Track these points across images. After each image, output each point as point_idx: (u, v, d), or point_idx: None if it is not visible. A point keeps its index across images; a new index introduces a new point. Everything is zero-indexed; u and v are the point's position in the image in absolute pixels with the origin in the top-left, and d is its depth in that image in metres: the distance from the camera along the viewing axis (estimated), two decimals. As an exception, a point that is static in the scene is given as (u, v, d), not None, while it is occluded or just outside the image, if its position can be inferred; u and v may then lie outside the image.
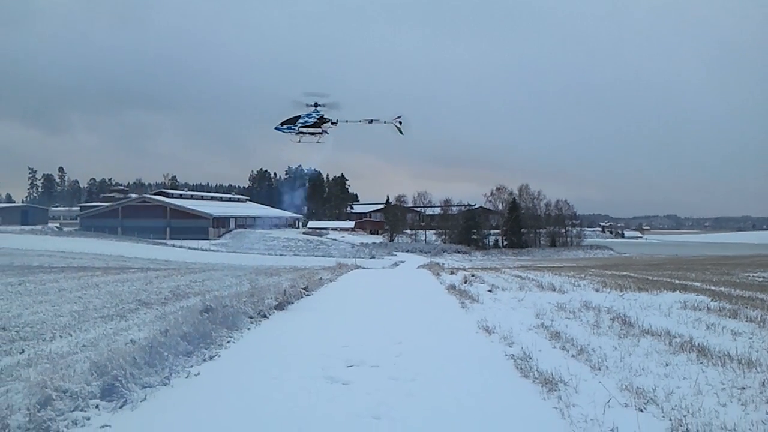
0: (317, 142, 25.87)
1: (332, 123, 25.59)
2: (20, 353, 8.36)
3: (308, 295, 14.94)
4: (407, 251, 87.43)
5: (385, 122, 26.75)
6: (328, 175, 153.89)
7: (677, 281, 18.25)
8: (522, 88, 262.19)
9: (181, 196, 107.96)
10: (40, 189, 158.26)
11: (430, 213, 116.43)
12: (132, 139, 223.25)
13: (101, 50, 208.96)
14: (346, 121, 26.28)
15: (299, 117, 25.44)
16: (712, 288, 15.33)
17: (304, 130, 25.48)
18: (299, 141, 25.87)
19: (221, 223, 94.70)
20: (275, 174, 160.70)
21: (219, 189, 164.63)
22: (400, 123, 26.66)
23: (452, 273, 25.15)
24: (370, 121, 26.45)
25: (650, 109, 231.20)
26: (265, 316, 10.91)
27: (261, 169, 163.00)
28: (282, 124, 25.85)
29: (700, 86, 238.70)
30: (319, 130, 25.61)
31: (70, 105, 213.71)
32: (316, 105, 25.37)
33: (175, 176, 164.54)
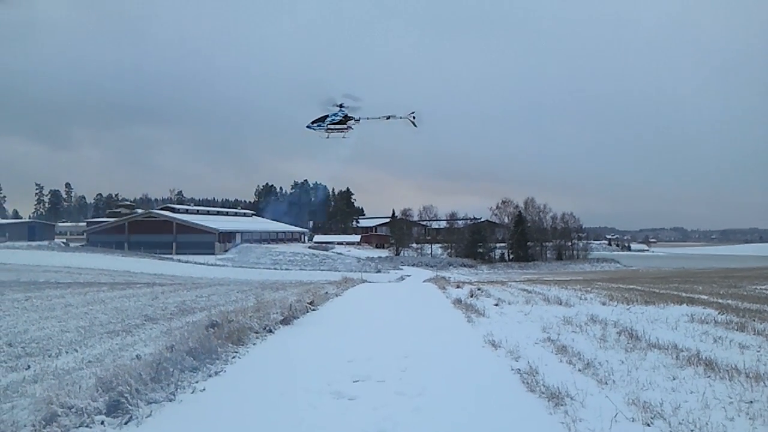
0: (343, 137, 28.28)
1: (355, 120, 27.98)
2: (26, 369, 8.37)
3: (314, 310, 14.90)
4: (413, 265, 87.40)
5: (400, 117, 28.99)
6: (333, 190, 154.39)
7: (684, 294, 18.18)
8: (526, 100, 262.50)
9: (187, 211, 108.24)
10: (46, 205, 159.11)
11: (436, 227, 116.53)
12: (137, 154, 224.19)
13: (102, 64, 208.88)
14: (367, 118, 28.69)
15: (327, 116, 28.06)
16: (720, 301, 15.26)
17: (332, 127, 28.04)
18: (327, 137, 28.30)
19: (227, 237, 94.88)
20: (281, 188, 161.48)
21: (225, 204, 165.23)
22: (414, 117, 28.88)
23: (458, 287, 25.08)
24: (388, 117, 28.89)
25: (656, 121, 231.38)
26: (270, 331, 10.89)
27: (267, 183, 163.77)
28: (313, 122, 28.36)
29: (706, 98, 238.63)
30: (345, 126, 28.11)
31: (74, 121, 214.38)
32: (341, 106, 27.87)
33: (181, 191, 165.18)
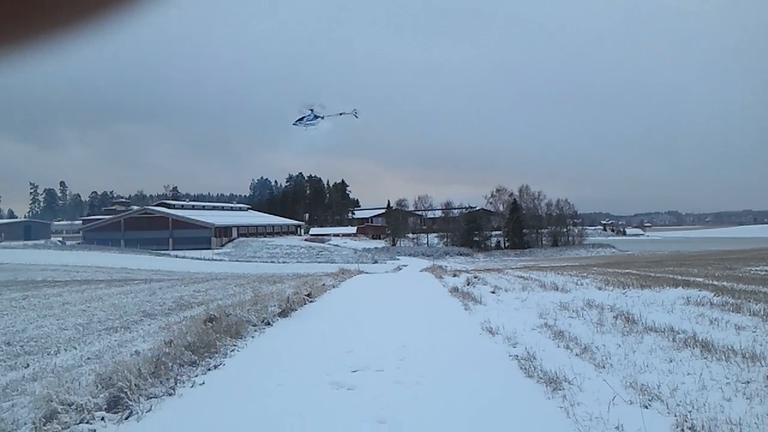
0: (315, 129, 41.73)
1: (321, 117, 41.24)
2: (25, 368, 8.39)
3: (312, 302, 14.93)
4: (410, 255, 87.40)
5: (348, 113, 43.07)
6: (328, 182, 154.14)
7: (680, 277, 18.26)
8: (518, 89, 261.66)
9: (182, 207, 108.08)
10: (42, 204, 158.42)
11: (432, 216, 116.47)
12: (128, 152, 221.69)
13: (84, 62, 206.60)
14: (329, 116, 42.03)
15: (304, 117, 41.32)
16: (715, 283, 15.32)
17: (308, 123, 41.41)
18: (306, 129, 41.62)
19: (223, 232, 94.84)
20: (276, 182, 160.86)
21: (220, 198, 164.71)
22: (356, 111, 43.37)
23: (455, 275, 25.15)
24: (341, 114, 42.87)
25: (648, 108, 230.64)
26: (269, 324, 10.91)
27: (261, 177, 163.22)
28: (296, 122, 41.88)
29: (699, 84, 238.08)
30: (316, 121, 41.35)
31: (58, 119, 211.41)
32: (311, 110, 41.12)
33: (176, 187, 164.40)
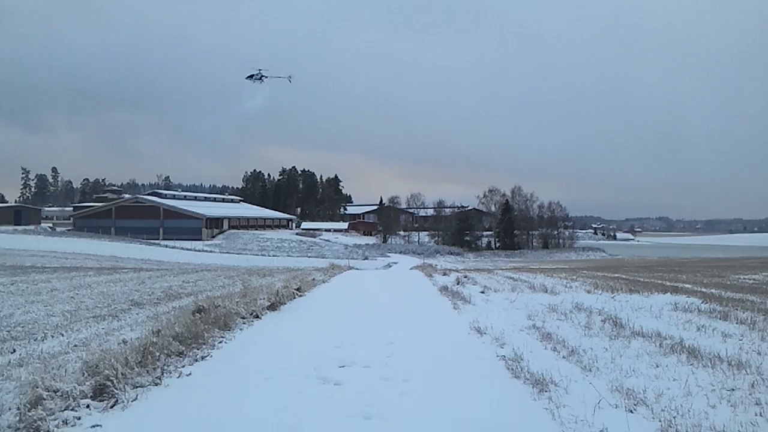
0: (261, 83, 55.99)
1: (265, 77, 55.36)
2: (11, 353, 8.34)
3: (301, 296, 14.93)
4: (400, 252, 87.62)
5: (283, 77, 57.81)
6: (321, 177, 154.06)
7: (668, 283, 18.33)
8: (515, 93, 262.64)
9: (174, 197, 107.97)
10: (33, 189, 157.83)
11: (424, 215, 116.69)
12: (119, 140, 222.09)
13: (72, 48, 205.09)
14: (271, 77, 56.85)
15: (253, 74, 54.94)
16: (703, 290, 15.41)
17: (255, 78, 54.75)
18: (253, 83, 55.92)
19: (214, 223, 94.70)
20: (269, 174, 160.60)
21: (213, 190, 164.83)
22: (290, 77, 58.39)
23: (445, 274, 25.17)
24: (279, 77, 57.85)
25: (642, 116, 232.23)
26: (257, 317, 10.90)
27: (254, 169, 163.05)
28: (247, 77, 55.26)
29: (693, 92, 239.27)
30: (261, 78, 55.01)
31: (46, 104, 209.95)
32: (259, 70, 54.84)
33: (168, 177, 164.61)
